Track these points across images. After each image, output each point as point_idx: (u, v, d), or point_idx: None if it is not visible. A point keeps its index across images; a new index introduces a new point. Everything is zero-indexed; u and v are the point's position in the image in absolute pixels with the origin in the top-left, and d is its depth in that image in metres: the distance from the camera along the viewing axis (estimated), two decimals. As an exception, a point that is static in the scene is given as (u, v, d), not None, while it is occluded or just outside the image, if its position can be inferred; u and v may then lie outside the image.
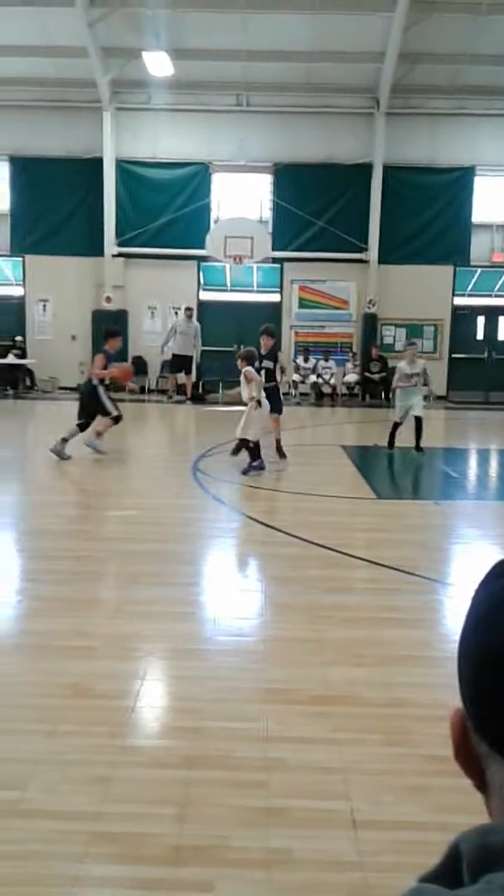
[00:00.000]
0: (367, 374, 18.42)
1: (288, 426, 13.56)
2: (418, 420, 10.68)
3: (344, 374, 18.68)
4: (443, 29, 15.89)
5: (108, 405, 10.17)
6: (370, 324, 18.87)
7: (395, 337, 19.20)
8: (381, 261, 18.60)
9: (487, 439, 13.99)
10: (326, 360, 18.54)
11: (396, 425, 10.92)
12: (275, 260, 18.65)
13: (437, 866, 0.61)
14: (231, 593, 5.43)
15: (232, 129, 18.29)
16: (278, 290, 19.16)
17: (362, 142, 18.29)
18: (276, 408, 10.00)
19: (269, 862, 2.52)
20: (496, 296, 19.38)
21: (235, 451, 9.80)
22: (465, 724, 0.63)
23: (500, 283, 19.35)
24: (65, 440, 9.89)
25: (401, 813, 2.72)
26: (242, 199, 18.72)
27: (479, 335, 19.37)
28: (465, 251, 18.92)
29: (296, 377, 18.31)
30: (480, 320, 19.43)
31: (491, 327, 19.36)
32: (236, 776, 3.03)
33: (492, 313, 19.40)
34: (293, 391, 18.00)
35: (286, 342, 19.10)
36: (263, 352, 10.04)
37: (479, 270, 19.18)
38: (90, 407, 10.14)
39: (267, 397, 9.60)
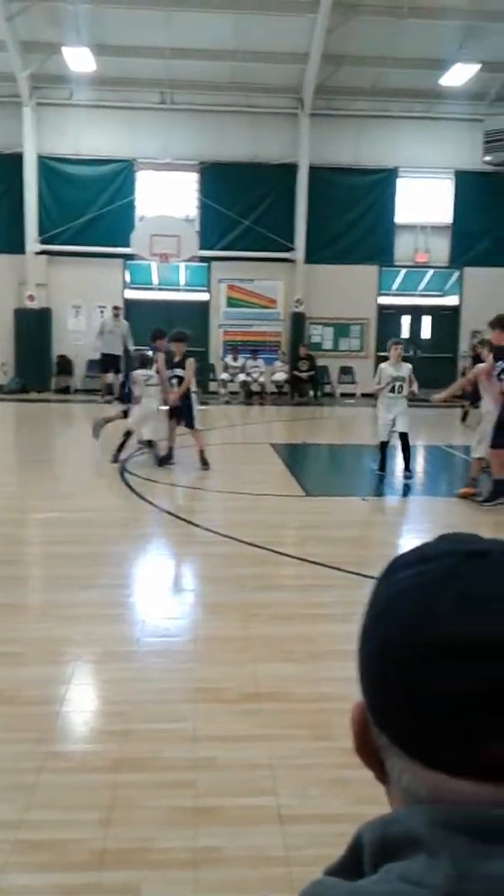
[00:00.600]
0: (295, 372, 18.57)
1: (217, 425, 13.58)
2: (404, 438, 9.25)
3: (272, 373, 18.80)
4: (365, 31, 16.13)
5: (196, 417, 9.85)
6: (298, 323, 19.03)
7: (322, 336, 19.44)
8: (308, 260, 18.78)
9: (413, 436, 14.25)
10: (255, 358, 18.61)
11: (385, 445, 9.29)
12: (202, 259, 18.63)
13: (342, 858, 0.62)
14: (160, 594, 5.40)
15: (156, 127, 18.18)
16: (206, 288, 19.15)
17: (288, 142, 18.43)
18: (187, 422, 9.59)
19: (195, 861, 2.51)
20: (420, 295, 19.79)
21: (159, 461, 9.70)
22: (366, 718, 0.63)
23: (424, 282, 19.77)
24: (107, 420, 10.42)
25: (326, 806, 2.75)
26: (168, 198, 18.63)
27: (405, 333, 19.75)
28: (389, 251, 19.27)
29: (224, 376, 18.33)
30: (405, 319, 19.81)
31: (415, 326, 19.77)
32: (164, 777, 3.01)
33: (416, 312, 19.81)
34: (222, 390, 18.03)
35: (215, 341, 19.11)
36: (177, 358, 9.75)
37: (404, 270, 19.56)
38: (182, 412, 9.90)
39: (180, 409, 9.56)
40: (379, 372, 9.33)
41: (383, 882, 0.56)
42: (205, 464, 9.47)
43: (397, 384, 9.07)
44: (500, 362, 7.92)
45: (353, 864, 0.60)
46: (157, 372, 9.92)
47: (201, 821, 2.74)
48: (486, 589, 0.58)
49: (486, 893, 0.53)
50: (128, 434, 9.62)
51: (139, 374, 9.78)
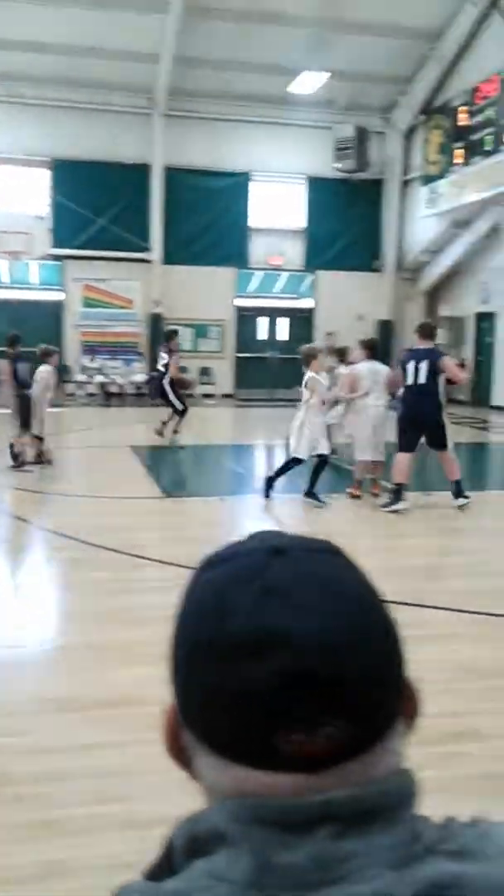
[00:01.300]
0: (154, 373, 18.48)
1: (74, 427, 13.29)
2: (323, 461, 8.00)
3: (131, 374, 18.62)
4: (216, 35, 16.27)
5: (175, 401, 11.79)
6: (156, 323, 18.95)
7: (181, 337, 19.42)
8: (165, 261, 18.75)
9: (271, 435, 14.50)
10: (113, 359, 18.38)
11: (298, 462, 8.00)
12: (55, 257, 18.19)
13: (157, 860, 0.62)
14: (10, 603, 5.22)
15: (4, 121, 17.59)
16: (61, 288, 18.72)
17: (142, 142, 18.32)
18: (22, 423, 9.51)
19: (44, 875, 2.45)
20: (276, 297, 20.18)
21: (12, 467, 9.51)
22: (177, 719, 0.63)
23: (280, 285, 20.18)
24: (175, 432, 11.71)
25: (179, 807, 2.72)
26: (17, 194, 18.05)
27: (262, 335, 20.08)
28: (245, 254, 19.54)
29: (82, 377, 17.99)
30: (262, 321, 20.15)
31: (272, 327, 20.15)
32: (14, 792, 2.91)
33: (273, 314, 20.19)
34: (79, 392, 17.69)
35: (71, 341, 18.71)
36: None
37: (260, 273, 19.89)
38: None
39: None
40: (316, 383, 7.93)
41: (188, 879, 0.56)
42: (41, 462, 9.46)
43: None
44: (412, 362, 7.77)
45: (167, 865, 0.60)
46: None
47: (54, 833, 2.67)
48: (286, 583, 0.59)
49: (284, 883, 0.54)
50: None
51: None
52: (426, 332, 8.03)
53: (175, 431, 11.89)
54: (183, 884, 0.56)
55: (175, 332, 12.65)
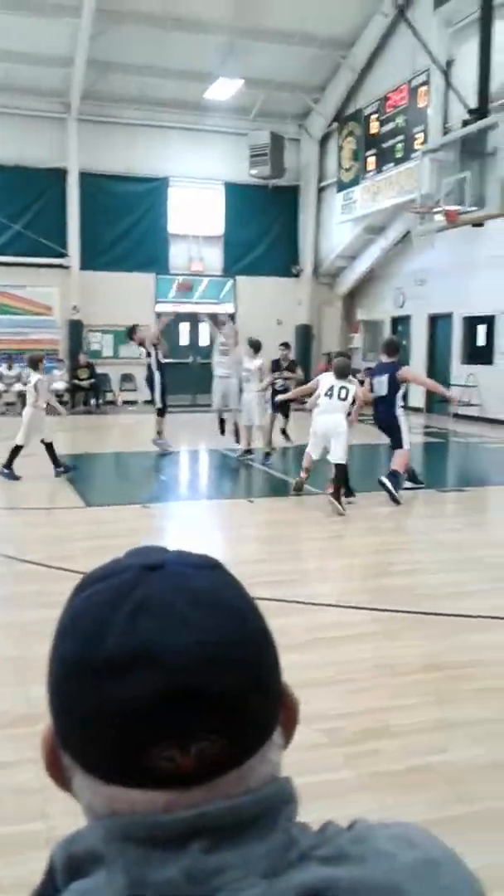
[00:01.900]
0: (75, 381, 18.25)
1: (-7, 438, 12.96)
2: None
3: (51, 382, 18.32)
4: (131, 40, 16.20)
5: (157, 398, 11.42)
6: (76, 330, 18.71)
7: (101, 343, 19.23)
8: (84, 266, 18.54)
9: (195, 441, 14.51)
10: (32, 367, 18.05)
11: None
12: (-32, 264, 17.78)
13: (41, 882, 0.61)
14: None
15: None
16: (-25, 295, 18.30)
17: (57, 146, 18.08)
18: None
19: (-38, 900, 2.41)
20: (196, 303, 20.19)
21: None
22: (54, 738, 0.63)
23: (200, 291, 20.19)
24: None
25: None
26: None
27: (184, 341, 20.05)
28: (164, 260, 19.48)
29: (0, 386, 17.63)
30: (184, 326, 20.11)
31: (193, 333, 20.13)
32: None
33: (194, 320, 20.16)
34: (-2, 401, 17.33)
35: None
36: None
37: (180, 278, 19.85)
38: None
39: None
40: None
41: None
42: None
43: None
44: (376, 377, 8.72)
45: (50, 887, 0.60)
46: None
47: (-29, 855, 2.63)
48: (158, 600, 0.59)
49: None
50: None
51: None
52: (389, 348, 9.00)
53: (158, 432, 11.55)
54: None
55: (136, 326, 12.41)
